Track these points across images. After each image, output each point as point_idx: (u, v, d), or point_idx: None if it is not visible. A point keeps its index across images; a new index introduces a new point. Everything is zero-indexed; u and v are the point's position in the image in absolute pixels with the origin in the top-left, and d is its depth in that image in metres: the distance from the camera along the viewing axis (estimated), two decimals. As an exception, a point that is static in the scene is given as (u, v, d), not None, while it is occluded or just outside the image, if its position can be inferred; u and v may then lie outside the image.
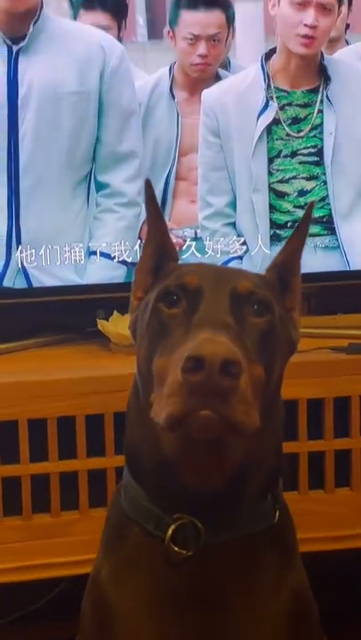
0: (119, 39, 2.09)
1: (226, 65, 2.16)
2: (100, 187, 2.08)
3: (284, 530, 1.14)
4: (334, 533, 1.85)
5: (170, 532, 1.05)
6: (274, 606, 1.09)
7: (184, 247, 2.11)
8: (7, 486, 1.74)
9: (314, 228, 2.11)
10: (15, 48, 1.98)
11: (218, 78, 2.13)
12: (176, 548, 1.05)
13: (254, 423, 0.96)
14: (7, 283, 2.02)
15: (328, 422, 1.83)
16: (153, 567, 1.08)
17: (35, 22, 1.98)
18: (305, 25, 2.03)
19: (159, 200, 2.09)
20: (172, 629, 1.07)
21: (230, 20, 2.10)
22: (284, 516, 1.14)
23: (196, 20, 2.07)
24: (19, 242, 2.01)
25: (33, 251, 2.01)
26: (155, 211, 1.16)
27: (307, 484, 1.84)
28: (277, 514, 1.12)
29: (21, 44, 1.98)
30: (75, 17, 2.09)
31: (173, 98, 2.13)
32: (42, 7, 1.99)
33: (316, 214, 2.11)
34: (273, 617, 1.09)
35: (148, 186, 1.15)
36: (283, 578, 1.11)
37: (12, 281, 2.02)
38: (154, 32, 2.18)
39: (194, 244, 2.11)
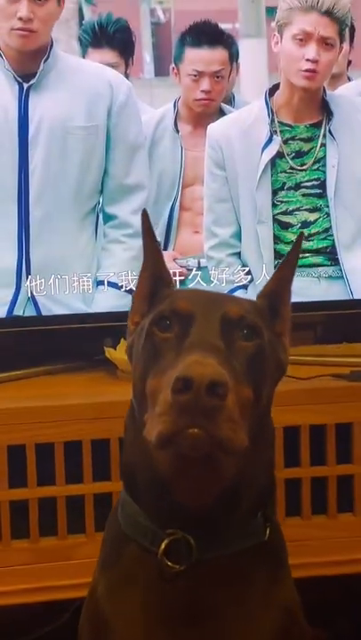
0: (126, 76, 2.15)
1: (230, 100, 2.21)
2: (108, 218, 2.13)
3: (275, 547, 1.17)
4: (337, 558, 1.86)
5: (163, 546, 1.09)
6: (265, 622, 1.12)
7: (190, 277, 2.15)
8: (15, 509, 1.77)
9: (318, 259, 2.15)
10: (26, 85, 2.04)
11: (221, 113, 2.18)
12: (169, 563, 1.09)
13: (242, 442, 1.00)
14: (17, 311, 2.06)
15: (330, 448, 1.85)
16: (148, 582, 1.11)
17: (45, 60, 2.04)
18: (307, 60, 2.08)
19: (164, 230, 2.15)
20: None
21: (233, 57, 2.15)
22: (274, 533, 1.17)
23: (199, 58, 2.12)
24: (28, 272, 2.05)
25: (42, 280, 2.05)
26: (151, 240, 1.21)
27: (309, 509, 1.86)
28: (268, 531, 1.15)
29: (32, 82, 2.04)
30: (83, 55, 2.15)
31: (177, 132, 2.18)
32: (52, 46, 2.05)
33: (320, 245, 2.15)
34: (264, 632, 1.12)
35: (145, 217, 1.20)
36: (273, 594, 1.14)
37: (22, 309, 2.06)
38: (160, 69, 2.24)
39: (200, 273, 2.15)
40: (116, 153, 2.10)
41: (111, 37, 2.13)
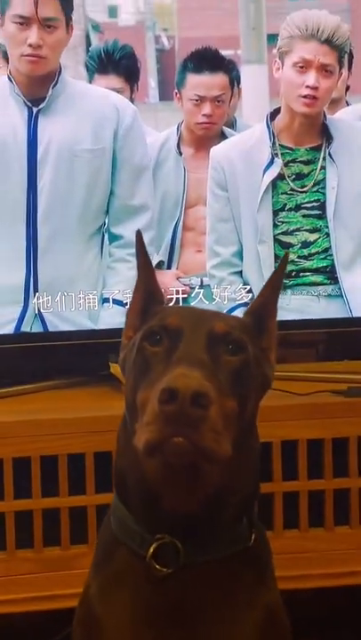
0: (132, 100, 2.20)
1: (232, 124, 2.26)
2: (114, 238, 2.18)
3: (260, 551, 1.21)
4: (334, 570, 1.90)
5: (151, 550, 1.13)
6: (249, 623, 1.16)
7: (193, 294, 2.20)
8: (19, 520, 1.82)
9: (317, 278, 2.20)
10: (35, 109, 2.10)
11: (223, 136, 2.23)
12: (157, 566, 1.13)
13: (225, 451, 1.04)
14: (25, 327, 2.11)
15: (327, 462, 1.90)
16: (137, 585, 1.15)
17: (54, 86, 2.10)
18: (307, 86, 2.13)
19: (167, 249, 2.20)
20: None
21: (233, 82, 2.21)
22: (259, 538, 1.21)
23: (200, 83, 2.18)
24: (36, 289, 2.10)
25: (49, 297, 2.10)
26: (144, 259, 1.26)
27: (307, 522, 1.90)
28: (253, 537, 1.19)
29: (41, 106, 2.10)
30: (90, 81, 2.21)
31: (180, 154, 2.23)
32: (60, 72, 2.11)
33: (320, 264, 2.20)
34: (249, 634, 1.16)
35: (139, 237, 1.25)
36: (257, 596, 1.18)
37: (30, 326, 2.11)
38: (165, 94, 2.30)
39: (202, 291, 2.20)
40: (122, 174, 2.16)
41: (117, 64, 2.19)
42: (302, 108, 2.16)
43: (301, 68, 2.13)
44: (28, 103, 2.11)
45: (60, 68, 2.12)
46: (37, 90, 2.11)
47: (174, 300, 2.16)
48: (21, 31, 2.06)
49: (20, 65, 2.09)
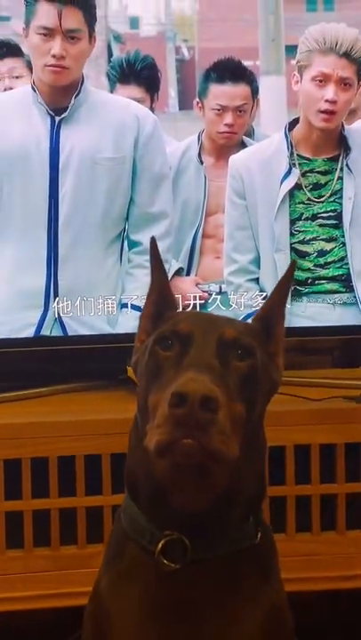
0: (152, 110, 2.24)
1: (250, 133, 2.30)
2: (133, 245, 2.21)
3: (266, 550, 1.25)
4: (345, 573, 1.93)
5: (160, 546, 1.17)
6: (250, 620, 1.20)
7: (210, 300, 2.23)
8: (37, 519, 1.86)
9: (333, 286, 2.22)
10: (58, 118, 2.14)
11: (243, 145, 2.26)
12: (165, 562, 1.17)
13: (233, 453, 1.08)
14: (45, 331, 2.15)
15: (340, 466, 1.92)
16: (146, 580, 1.20)
17: (76, 95, 2.14)
18: (326, 100, 2.15)
19: (187, 256, 2.23)
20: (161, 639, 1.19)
21: (255, 92, 2.24)
22: (265, 537, 1.25)
23: (223, 93, 2.21)
24: (56, 294, 2.14)
25: (69, 302, 2.14)
26: (158, 266, 1.30)
27: (319, 525, 1.93)
28: (259, 535, 1.23)
29: (64, 115, 2.14)
30: (111, 91, 2.25)
31: (201, 163, 2.27)
32: (83, 81, 2.15)
33: (336, 273, 2.22)
34: (253, 630, 1.20)
35: (153, 244, 1.29)
36: (261, 594, 1.21)
37: (50, 329, 2.15)
38: (185, 103, 2.34)
39: (219, 297, 2.23)
40: (142, 182, 2.19)
41: (138, 74, 2.23)
42: (321, 124, 2.18)
43: (320, 82, 2.15)
44: (51, 112, 2.15)
45: (83, 78, 2.16)
46: (60, 99, 2.15)
47: (192, 305, 2.19)
48: (45, 42, 2.10)
49: (43, 75, 2.13)
